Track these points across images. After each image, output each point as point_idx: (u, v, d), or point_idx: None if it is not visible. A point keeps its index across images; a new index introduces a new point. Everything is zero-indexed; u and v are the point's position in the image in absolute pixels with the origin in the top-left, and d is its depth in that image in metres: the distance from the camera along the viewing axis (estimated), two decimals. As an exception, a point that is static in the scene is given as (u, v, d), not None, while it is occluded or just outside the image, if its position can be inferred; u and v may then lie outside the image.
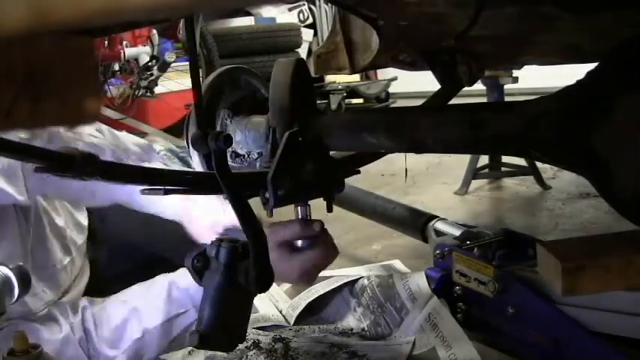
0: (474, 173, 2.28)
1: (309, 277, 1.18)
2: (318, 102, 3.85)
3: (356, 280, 1.30)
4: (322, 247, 1.11)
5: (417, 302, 1.19)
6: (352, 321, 1.25)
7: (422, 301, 1.18)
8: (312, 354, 1.12)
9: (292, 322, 1.26)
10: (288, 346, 1.14)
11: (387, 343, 1.14)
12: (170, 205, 1.22)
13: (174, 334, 1.09)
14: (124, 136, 1.32)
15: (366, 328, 1.22)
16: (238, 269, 0.91)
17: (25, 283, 0.82)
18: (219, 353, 1.11)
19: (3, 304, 0.79)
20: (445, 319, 1.12)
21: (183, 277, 1.09)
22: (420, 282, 1.20)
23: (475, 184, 2.31)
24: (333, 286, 1.29)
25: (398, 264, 1.57)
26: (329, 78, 4.37)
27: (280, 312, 1.29)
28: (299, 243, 1.09)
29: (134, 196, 1.21)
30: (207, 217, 1.20)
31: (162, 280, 1.11)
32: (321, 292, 1.28)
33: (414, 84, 3.26)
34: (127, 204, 1.25)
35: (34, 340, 0.83)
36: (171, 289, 1.08)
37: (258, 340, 1.14)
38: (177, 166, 1.46)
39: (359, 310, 1.26)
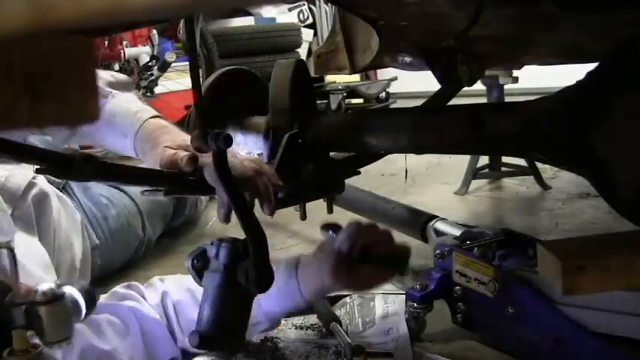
0: (474, 173, 2.27)
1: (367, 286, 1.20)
2: (318, 102, 3.84)
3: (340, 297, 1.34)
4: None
5: (386, 320, 1.24)
6: (309, 317, 1.28)
7: (391, 320, 1.23)
8: (298, 354, 1.14)
9: None
10: (277, 347, 1.16)
11: (369, 342, 1.16)
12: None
13: None
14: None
15: (317, 325, 1.25)
16: (238, 269, 0.91)
17: (92, 304, 0.80)
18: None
19: (71, 328, 0.77)
20: (401, 334, 1.16)
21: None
22: (398, 305, 1.25)
23: (475, 184, 2.31)
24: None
25: None
26: (329, 78, 4.36)
27: None
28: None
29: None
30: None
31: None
32: None
33: (414, 84, 3.26)
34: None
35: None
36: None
37: (247, 341, 1.15)
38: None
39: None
